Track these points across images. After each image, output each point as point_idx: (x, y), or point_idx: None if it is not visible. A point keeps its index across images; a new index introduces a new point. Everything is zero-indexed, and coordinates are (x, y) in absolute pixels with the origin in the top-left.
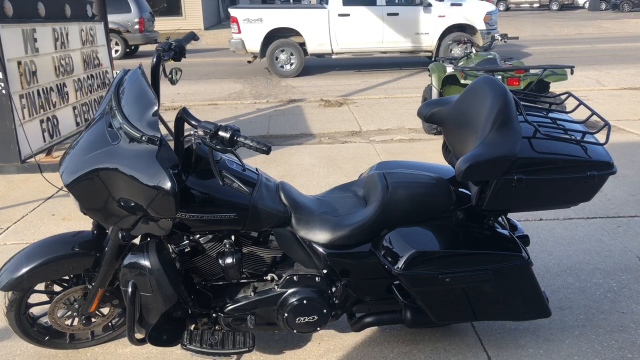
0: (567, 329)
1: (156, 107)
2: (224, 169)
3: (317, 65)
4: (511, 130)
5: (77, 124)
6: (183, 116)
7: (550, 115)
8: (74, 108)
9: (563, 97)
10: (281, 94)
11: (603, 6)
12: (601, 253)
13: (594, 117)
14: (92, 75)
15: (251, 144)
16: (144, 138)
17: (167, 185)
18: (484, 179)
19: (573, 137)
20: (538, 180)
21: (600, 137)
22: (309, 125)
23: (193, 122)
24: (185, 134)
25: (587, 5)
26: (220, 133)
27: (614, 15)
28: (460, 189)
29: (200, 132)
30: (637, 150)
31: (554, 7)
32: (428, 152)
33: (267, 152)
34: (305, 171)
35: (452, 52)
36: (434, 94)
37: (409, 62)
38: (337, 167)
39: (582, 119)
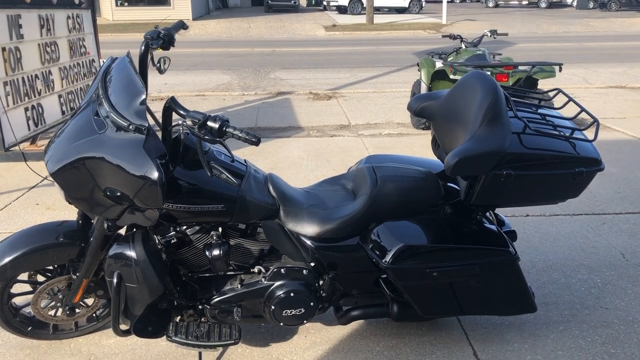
0: (552, 324)
1: (144, 96)
2: (212, 160)
3: (307, 58)
4: (501, 125)
5: (63, 112)
6: (171, 105)
7: (540, 111)
8: (60, 96)
9: (552, 93)
10: (270, 86)
11: (591, 5)
12: (586, 249)
13: (581, 115)
14: (78, 64)
15: (240, 134)
16: (131, 127)
17: (154, 175)
18: (473, 173)
19: (562, 134)
20: (527, 176)
21: (589, 134)
22: (297, 118)
23: (181, 112)
24: (174, 123)
25: (575, 3)
26: (209, 123)
27: (601, 14)
28: (449, 184)
29: (189, 122)
30: (622, 148)
31: (543, 4)
32: (416, 147)
33: (257, 143)
34: (293, 164)
35: None
36: (423, 89)
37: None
38: (325, 161)
39: (571, 115)
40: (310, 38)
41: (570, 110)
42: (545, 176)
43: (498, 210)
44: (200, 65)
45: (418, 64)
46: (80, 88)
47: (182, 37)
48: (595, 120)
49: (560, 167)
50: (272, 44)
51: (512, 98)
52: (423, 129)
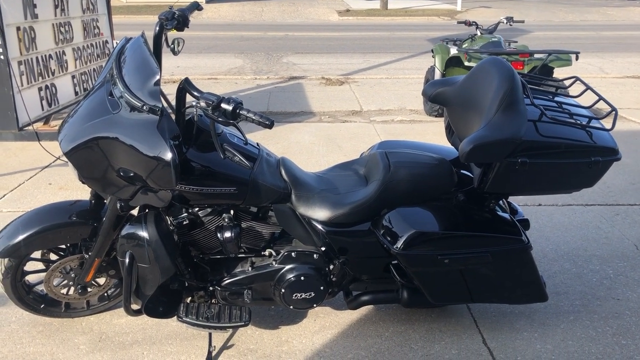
0: (562, 314)
1: (158, 77)
2: (226, 142)
3: (319, 43)
4: (517, 112)
5: (76, 93)
6: (185, 87)
7: (556, 99)
8: (73, 77)
9: (570, 81)
10: (282, 71)
11: None
12: (598, 240)
13: (598, 105)
14: (91, 44)
15: (254, 117)
16: (145, 107)
17: (168, 156)
18: (487, 161)
19: (579, 122)
20: (542, 164)
21: (606, 123)
22: (309, 103)
23: (195, 94)
24: (187, 105)
25: None
26: (223, 105)
27: (619, 2)
28: (462, 171)
29: (203, 104)
30: (638, 139)
31: None
32: (429, 134)
33: (270, 126)
34: (305, 149)
35: None
36: (437, 76)
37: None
38: (337, 146)
39: (588, 104)
40: (323, 23)
41: (587, 99)
42: (560, 165)
43: (511, 199)
44: (212, 49)
45: (432, 51)
46: (94, 69)
47: (195, 19)
48: (614, 109)
49: (576, 156)
50: (285, 28)
51: (529, 85)
52: (436, 115)
